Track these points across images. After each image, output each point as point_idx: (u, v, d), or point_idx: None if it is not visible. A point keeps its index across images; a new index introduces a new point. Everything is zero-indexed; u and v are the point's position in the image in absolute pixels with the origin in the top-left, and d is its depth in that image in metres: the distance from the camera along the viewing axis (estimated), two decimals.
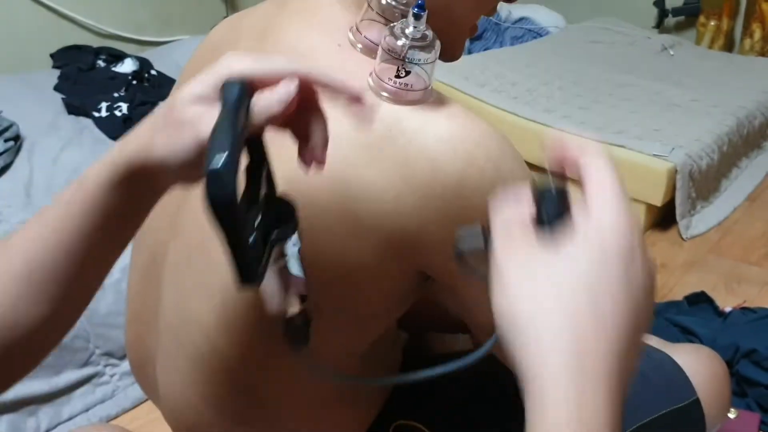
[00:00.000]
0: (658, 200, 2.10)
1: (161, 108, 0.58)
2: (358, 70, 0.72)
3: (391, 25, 0.72)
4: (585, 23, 3.38)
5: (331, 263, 0.73)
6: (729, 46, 3.42)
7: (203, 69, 0.90)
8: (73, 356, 1.42)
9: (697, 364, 1.11)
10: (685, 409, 1.07)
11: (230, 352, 0.80)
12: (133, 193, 0.60)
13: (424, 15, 0.71)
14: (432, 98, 0.73)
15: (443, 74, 2.52)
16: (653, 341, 1.16)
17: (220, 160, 0.49)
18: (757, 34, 3.24)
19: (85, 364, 1.45)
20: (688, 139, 2.22)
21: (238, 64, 0.56)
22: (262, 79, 0.56)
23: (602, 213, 0.50)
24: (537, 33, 3.40)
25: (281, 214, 0.60)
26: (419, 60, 0.71)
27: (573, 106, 2.41)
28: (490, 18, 3.47)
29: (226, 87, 0.54)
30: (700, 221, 2.20)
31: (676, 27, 3.65)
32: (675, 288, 1.87)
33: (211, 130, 0.51)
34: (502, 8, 3.55)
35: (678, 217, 2.13)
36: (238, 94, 0.53)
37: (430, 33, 0.71)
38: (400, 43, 0.70)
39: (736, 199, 2.37)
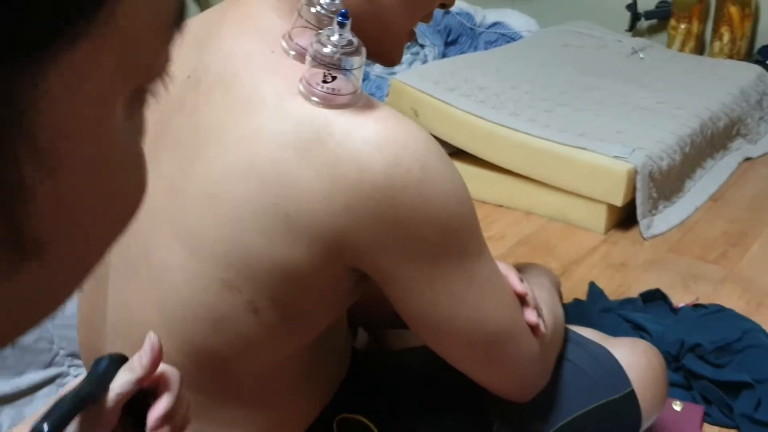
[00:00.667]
0: (618, 200, 2.15)
1: None
2: (289, 76, 0.76)
3: (318, 32, 0.76)
4: (558, 27, 3.42)
5: (264, 262, 0.77)
6: (700, 49, 3.47)
7: None
8: (36, 357, 1.45)
9: (633, 356, 1.15)
10: (621, 400, 1.11)
11: (173, 351, 0.83)
12: None
13: (348, 23, 0.75)
14: (361, 102, 0.77)
15: (412, 79, 2.56)
16: (593, 335, 1.20)
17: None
18: (726, 37, 3.29)
19: (49, 365, 1.48)
20: (649, 141, 2.26)
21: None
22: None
23: None
24: (510, 37, 3.44)
25: None
26: (346, 65, 0.75)
27: (539, 109, 2.45)
28: (465, 23, 3.52)
29: (96, 361, 0.64)
30: (662, 221, 2.25)
31: (649, 30, 3.70)
32: (633, 286, 1.91)
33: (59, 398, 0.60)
34: (477, 13, 3.59)
35: (639, 217, 2.18)
36: (105, 368, 0.64)
37: (355, 40, 0.75)
38: (326, 50, 0.74)
39: (699, 199, 2.41)
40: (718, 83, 2.84)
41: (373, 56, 0.90)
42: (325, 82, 0.74)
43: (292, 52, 0.79)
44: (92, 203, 0.29)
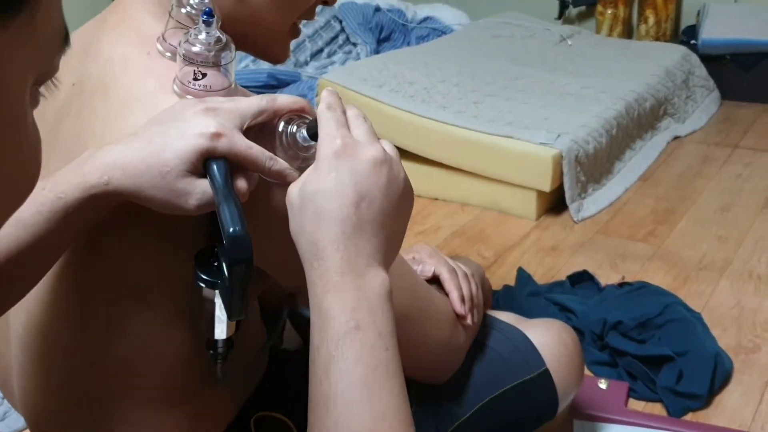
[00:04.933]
0: (546, 186, 2.18)
1: (147, 163, 0.68)
2: (163, 76, 0.77)
3: (186, 32, 0.76)
4: (488, 19, 3.46)
5: (150, 257, 0.77)
6: (628, 33, 3.53)
7: None
8: None
9: (547, 336, 1.17)
10: (535, 380, 1.13)
11: (75, 356, 0.83)
12: (104, 210, 0.71)
13: (214, 20, 0.76)
14: (237, 96, 0.77)
15: (341, 77, 2.57)
16: (509, 318, 1.21)
17: (240, 229, 0.64)
18: (651, 20, 3.35)
19: None
20: (574, 126, 2.30)
21: (213, 143, 0.67)
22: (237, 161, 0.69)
23: (363, 147, 0.68)
24: (442, 31, 3.47)
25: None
26: (216, 62, 0.76)
27: (468, 101, 2.48)
28: (397, 20, 3.54)
29: (212, 165, 0.67)
30: (592, 203, 2.28)
31: (578, 17, 3.75)
32: (563, 269, 1.94)
33: (218, 203, 0.65)
34: (408, 9, 3.61)
35: (568, 201, 2.21)
36: (225, 171, 0.67)
37: (224, 36, 0.76)
38: (195, 48, 0.75)
39: (628, 180, 2.46)
40: (644, 65, 2.89)
41: (256, 54, 0.91)
42: (196, 79, 0.75)
43: (168, 54, 0.79)
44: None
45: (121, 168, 0.68)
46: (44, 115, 0.88)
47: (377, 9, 3.48)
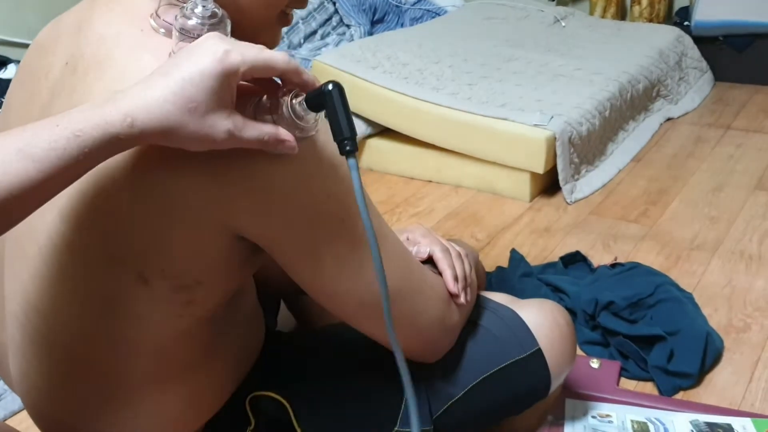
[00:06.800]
0: (540, 168, 2.18)
1: (172, 101, 0.68)
2: (158, 52, 0.77)
3: (182, 6, 0.77)
4: (481, 1, 3.45)
5: (146, 232, 0.78)
6: (622, 14, 3.53)
7: (33, 68, 0.93)
8: None
9: (539, 316, 1.18)
10: (528, 359, 1.14)
11: (65, 330, 0.84)
12: (119, 152, 0.71)
13: None
14: None
15: (334, 59, 2.57)
16: (502, 299, 1.22)
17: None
18: (645, 1, 3.35)
19: None
20: (567, 107, 2.30)
21: (224, 62, 0.69)
22: None
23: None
24: (435, 13, 3.46)
25: None
26: None
27: (461, 83, 2.48)
28: (390, 1, 3.52)
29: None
30: (585, 185, 2.29)
31: None
32: (555, 250, 1.95)
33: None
34: None
35: (561, 183, 2.21)
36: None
37: (219, 11, 0.76)
38: (191, 22, 0.75)
39: (621, 161, 2.46)
40: (637, 46, 2.89)
41: (246, 40, 0.91)
42: None
43: (162, 30, 0.80)
44: None
45: (145, 109, 0.67)
46: (38, 93, 0.88)
47: None
